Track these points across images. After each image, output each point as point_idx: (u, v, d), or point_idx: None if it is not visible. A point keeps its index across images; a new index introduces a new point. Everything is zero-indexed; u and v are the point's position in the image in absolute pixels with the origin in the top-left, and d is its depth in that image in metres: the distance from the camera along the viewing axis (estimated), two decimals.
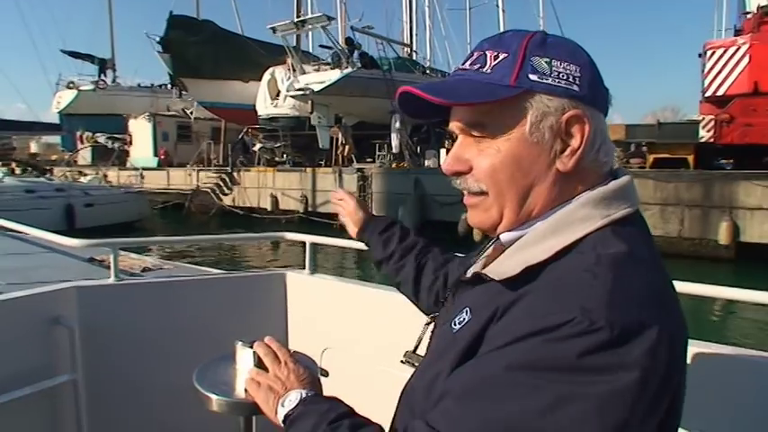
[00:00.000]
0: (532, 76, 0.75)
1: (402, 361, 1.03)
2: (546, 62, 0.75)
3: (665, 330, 0.65)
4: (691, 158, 13.72)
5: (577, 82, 0.75)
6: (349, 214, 1.49)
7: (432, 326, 1.02)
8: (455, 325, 0.80)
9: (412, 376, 0.88)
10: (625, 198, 0.78)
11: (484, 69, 0.77)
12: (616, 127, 16.68)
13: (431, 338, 0.98)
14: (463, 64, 0.81)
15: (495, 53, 0.77)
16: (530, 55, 0.75)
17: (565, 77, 0.75)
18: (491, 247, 0.92)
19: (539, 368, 0.64)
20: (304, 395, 0.93)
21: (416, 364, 0.88)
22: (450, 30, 55.19)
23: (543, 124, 0.75)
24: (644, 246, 0.75)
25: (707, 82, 13.47)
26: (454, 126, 0.83)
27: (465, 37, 39.22)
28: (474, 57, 0.80)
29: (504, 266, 0.76)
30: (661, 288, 0.72)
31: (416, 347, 1.01)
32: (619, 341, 0.63)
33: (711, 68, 13.33)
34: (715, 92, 13.33)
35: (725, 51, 13.14)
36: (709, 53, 13.40)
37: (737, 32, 13.84)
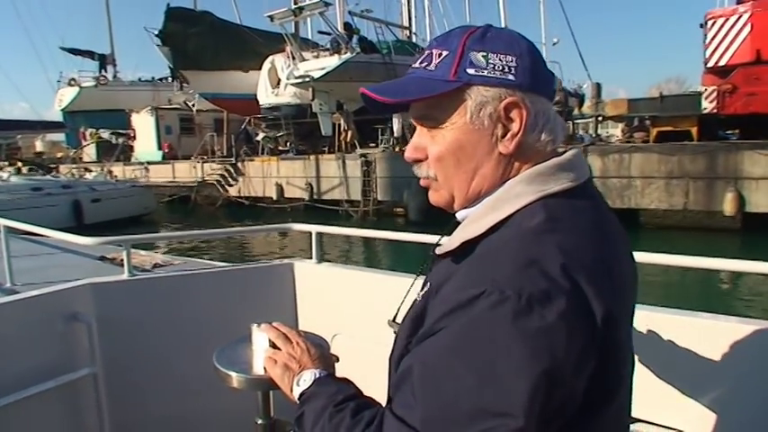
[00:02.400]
0: (470, 70, 0.82)
1: (389, 322, 1.08)
2: (483, 56, 0.82)
3: (574, 297, 0.69)
4: (694, 130, 13.63)
5: (513, 71, 0.81)
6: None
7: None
8: (419, 298, 0.90)
9: (394, 344, 0.94)
10: (567, 172, 0.83)
11: (429, 67, 0.85)
12: (618, 102, 16.57)
13: None
14: (415, 63, 0.89)
15: (440, 51, 0.85)
16: (468, 51, 0.82)
17: (500, 68, 0.81)
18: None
19: (462, 349, 0.70)
20: (317, 375, 1.01)
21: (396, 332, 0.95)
22: (450, 11, 54.65)
23: (483, 112, 0.82)
24: (577, 216, 0.80)
25: (708, 52, 13.36)
26: (412, 118, 0.91)
27: (464, 17, 38.80)
28: (424, 56, 0.87)
29: (448, 243, 0.86)
30: (581, 256, 0.74)
31: (396, 315, 1.06)
32: (528, 308, 0.67)
33: (713, 38, 13.21)
34: (717, 62, 13.23)
35: (726, 20, 13.01)
36: (710, 23, 13.27)
37: (739, 1, 13.66)
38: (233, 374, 1.23)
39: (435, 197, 0.92)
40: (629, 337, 0.84)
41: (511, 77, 0.81)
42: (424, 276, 0.98)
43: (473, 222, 0.84)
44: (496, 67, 0.81)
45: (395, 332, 0.95)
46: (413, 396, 0.73)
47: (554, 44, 36.83)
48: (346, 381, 1.01)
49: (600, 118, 18.31)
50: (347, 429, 0.84)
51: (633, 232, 12.55)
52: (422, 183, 0.92)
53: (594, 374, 0.72)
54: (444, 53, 0.84)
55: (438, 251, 0.89)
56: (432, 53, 0.86)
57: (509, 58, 0.82)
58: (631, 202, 12.86)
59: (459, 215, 0.91)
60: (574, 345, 0.68)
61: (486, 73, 0.81)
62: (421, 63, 0.87)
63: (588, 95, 21.91)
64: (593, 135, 17.82)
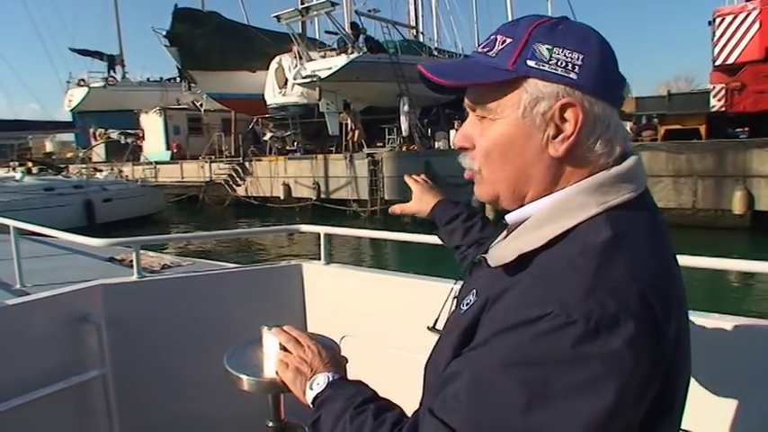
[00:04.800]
0: (530, 62, 0.77)
1: (428, 328, 1.08)
2: (547, 49, 0.77)
3: (644, 322, 0.66)
4: (702, 129, 13.55)
5: (576, 70, 0.76)
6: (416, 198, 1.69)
7: (455, 300, 1.01)
8: (463, 306, 0.85)
9: (433, 349, 0.91)
10: (627, 183, 0.78)
11: (491, 53, 0.80)
12: (626, 100, 16.47)
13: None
14: (478, 47, 0.84)
15: (504, 38, 0.80)
16: (532, 41, 0.77)
17: (563, 65, 0.76)
18: (504, 230, 0.93)
19: (518, 365, 0.66)
20: (331, 378, 1.00)
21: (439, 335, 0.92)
22: (457, 10, 54.35)
23: (536, 109, 0.77)
24: (641, 231, 0.76)
25: (717, 50, 13.26)
26: (466, 104, 0.86)
27: (471, 17, 38.75)
28: (488, 41, 0.83)
29: (502, 253, 0.80)
30: (651, 274, 0.71)
31: (436, 321, 1.06)
32: (595, 333, 0.64)
33: (721, 36, 13.11)
34: (725, 60, 13.12)
35: (734, 18, 12.91)
36: (718, 20, 13.17)
37: None
38: (243, 377, 1.23)
39: (479, 191, 0.88)
40: (688, 349, 0.79)
41: (573, 76, 0.76)
42: (462, 282, 0.97)
43: (529, 232, 0.79)
44: (559, 63, 0.76)
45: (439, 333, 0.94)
46: (457, 401, 0.70)
47: None
48: (361, 383, 0.99)
49: None
50: (371, 431, 0.82)
51: None
52: (466, 175, 0.89)
53: (656, 397, 0.69)
54: (508, 41, 0.79)
55: (491, 263, 0.82)
56: (496, 39, 0.81)
57: (576, 55, 0.76)
58: None
59: (508, 218, 0.88)
60: (639, 372, 0.65)
61: (546, 67, 0.76)
62: (483, 48, 0.82)
63: None
64: None
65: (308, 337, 1.15)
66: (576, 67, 0.76)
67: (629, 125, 20.41)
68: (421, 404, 0.86)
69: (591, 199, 0.76)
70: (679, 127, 13.86)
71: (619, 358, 0.64)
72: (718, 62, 13.28)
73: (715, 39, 13.29)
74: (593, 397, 0.63)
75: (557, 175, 0.80)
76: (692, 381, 1.57)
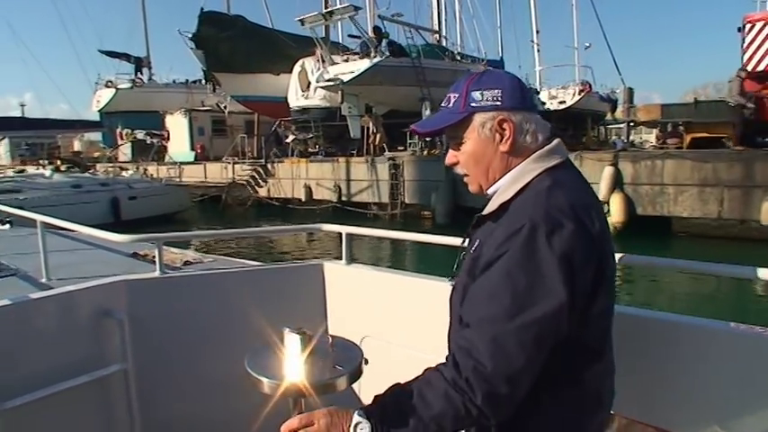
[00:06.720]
0: (473, 103, 1.26)
1: (449, 279, 1.41)
2: (479, 93, 1.25)
3: (576, 221, 1.11)
4: (730, 137, 13.31)
5: (499, 99, 1.24)
6: None
7: (463, 253, 1.40)
8: (472, 250, 1.27)
9: (453, 289, 1.33)
10: (555, 153, 1.26)
11: (449, 106, 1.30)
12: (650, 107, 16.19)
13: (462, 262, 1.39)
14: (441, 104, 1.32)
15: (453, 95, 1.29)
16: (470, 91, 1.26)
17: (490, 98, 1.24)
18: (489, 201, 1.35)
19: (519, 260, 1.09)
20: (361, 413, 1.09)
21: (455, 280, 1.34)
22: (481, 14, 54.12)
23: (485, 128, 1.26)
24: (568, 178, 1.24)
25: (747, 57, 13.05)
26: (446, 139, 1.37)
27: (495, 20, 38.55)
28: (445, 99, 1.31)
29: (490, 207, 1.27)
30: (576, 202, 1.15)
31: (454, 275, 1.38)
32: (552, 230, 1.09)
33: (751, 42, 12.90)
34: (755, 66, 12.91)
35: (765, 24, 12.68)
36: (748, 27, 12.96)
37: None
38: (264, 380, 1.24)
39: (471, 187, 1.35)
40: (611, 242, 1.24)
41: (498, 103, 1.24)
42: (468, 238, 1.37)
43: (502, 192, 1.25)
44: (488, 98, 1.24)
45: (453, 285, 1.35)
46: (487, 298, 1.12)
47: (586, 48, 36.54)
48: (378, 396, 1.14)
49: (632, 123, 17.96)
50: (436, 395, 1.08)
51: (664, 240, 12.29)
52: (464, 180, 1.35)
53: (597, 268, 1.13)
54: (456, 95, 1.28)
55: (483, 213, 1.29)
56: (450, 97, 1.30)
57: (496, 91, 1.25)
58: (663, 210, 12.58)
59: (489, 191, 1.31)
60: (582, 248, 1.11)
61: (482, 103, 1.25)
62: (444, 104, 1.31)
63: (621, 100, 21.51)
64: (626, 141, 17.50)
65: (307, 416, 1.16)
66: (499, 98, 1.24)
67: (654, 132, 20.14)
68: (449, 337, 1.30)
69: (535, 165, 1.24)
70: (706, 135, 13.62)
71: (570, 241, 1.09)
72: (748, 69, 13.04)
73: (745, 45, 13.07)
74: (563, 264, 1.08)
75: (509, 162, 1.28)
76: (688, 384, 1.59)
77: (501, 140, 1.25)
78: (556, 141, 1.28)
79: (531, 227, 1.09)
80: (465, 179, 1.34)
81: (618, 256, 1.60)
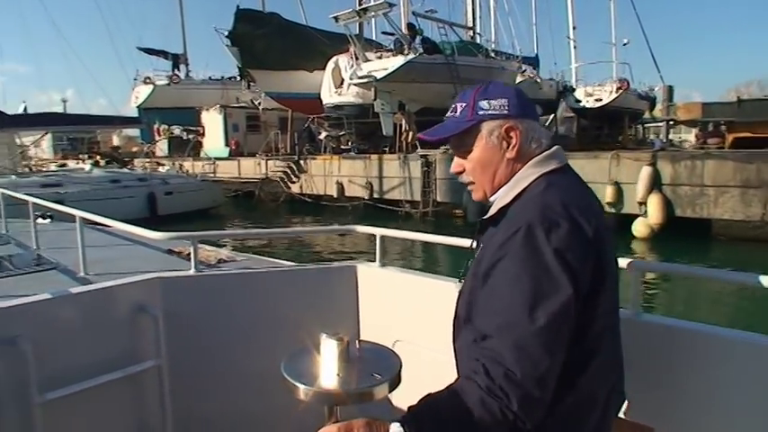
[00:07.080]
0: (480, 112, 1.31)
1: (458, 280, 1.44)
2: (486, 102, 1.31)
3: (570, 221, 1.14)
4: None
5: (506, 108, 1.30)
6: None
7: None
8: (476, 253, 1.34)
9: (460, 292, 1.36)
10: (553, 159, 1.31)
11: (456, 115, 1.35)
12: (691, 105, 15.77)
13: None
14: (448, 113, 1.37)
15: (462, 104, 1.34)
16: (477, 100, 1.32)
17: (498, 107, 1.30)
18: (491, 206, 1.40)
19: (520, 260, 1.12)
20: (396, 425, 1.05)
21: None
22: (516, 11, 53.17)
23: (492, 136, 1.31)
24: (563, 181, 1.27)
25: None
26: (450, 149, 1.42)
27: (530, 16, 38.03)
28: (452, 109, 1.37)
29: (491, 211, 1.33)
30: (571, 203, 1.18)
31: (464, 273, 1.41)
32: (548, 230, 1.13)
33: None
34: None
35: None
36: None
37: None
38: (301, 387, 1.22)
39: (475, 194, 1.40)
40: (613, 253, 1.27)
41: (505, 111, 1.30)
42: (475, 241, 1.43)
43: (503, 197, 1.31)
44: (495, 107, 1.31)
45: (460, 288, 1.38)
46: (499, 304, 1.13)
47: (624, 45, 35.74)
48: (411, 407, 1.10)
49: (671, 122, 17.51)
50: (473, 403, 1.05)
51: (703, 244, 11.94)
52: (468, 186, 1.40)
53: (594, 266, 1.16)
54: (463, 104, 1.34)
55: (485, 218, 1.35)
56: (456, 106, 1.36)
57: (503, 100, 1.31)
58: (703, 212, 12.21)
59: (491, 198, 1.36)
60: (578, 247, 1.13)
61: (490, 112, 1.31)
62: (451, 112, 1.37)
63: (660, 98, 20.99)
64: (664, 140, 17.08)
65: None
66: (505, 106, 1.30)
67: (693, 132, 19.61)
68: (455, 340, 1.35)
69: (533, 170, 1.29)
70: (749, 135, 13.17)
71: (567, 240, 1.12)
72: None
73: None
74: (564, 259, 1.11)
75: (514, 167, 1.32)
76: (686, 388, 1.58)
77: (508, 147, 1.30)
78: (555, 148, 1.34)
79: (527, 227, 1.13)
80: (469, 187, 1.39)
81: (625, 260, 1.69)
